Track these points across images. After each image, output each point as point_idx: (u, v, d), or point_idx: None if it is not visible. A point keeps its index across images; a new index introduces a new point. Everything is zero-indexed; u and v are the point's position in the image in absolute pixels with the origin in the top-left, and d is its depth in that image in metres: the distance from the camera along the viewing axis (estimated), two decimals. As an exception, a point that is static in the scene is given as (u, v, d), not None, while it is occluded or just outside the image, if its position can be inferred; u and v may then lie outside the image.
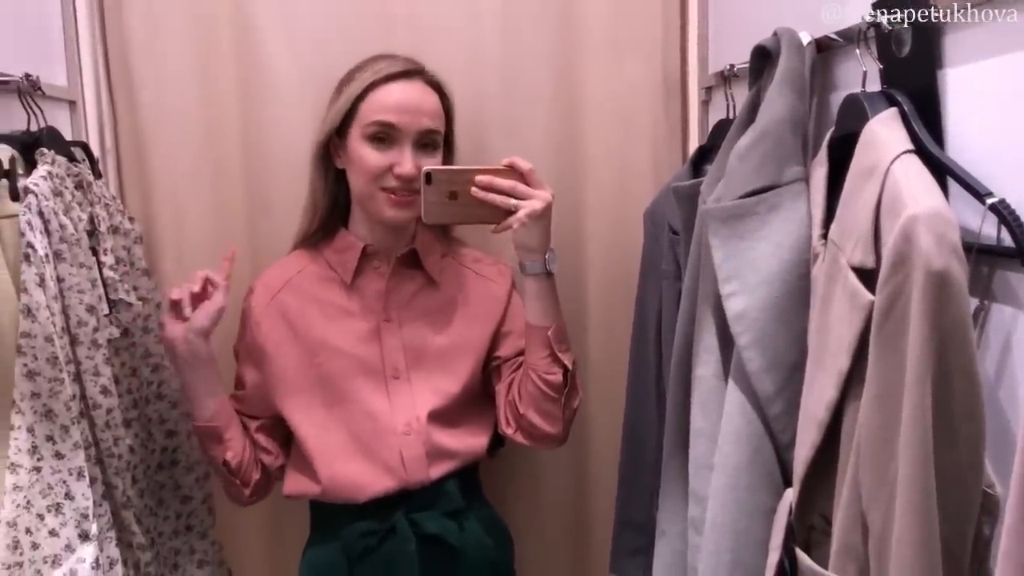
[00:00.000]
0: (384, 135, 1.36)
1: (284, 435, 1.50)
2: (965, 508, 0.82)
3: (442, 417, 1.42)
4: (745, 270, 1.07)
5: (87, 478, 1.19)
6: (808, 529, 1.05)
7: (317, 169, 1.45)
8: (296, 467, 1.46)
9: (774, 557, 1.07)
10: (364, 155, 1.37)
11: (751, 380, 1.07)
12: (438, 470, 1.40)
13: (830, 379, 0.94)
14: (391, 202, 1.37)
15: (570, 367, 1.38)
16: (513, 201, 1.29)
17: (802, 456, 1.00)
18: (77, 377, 1.23)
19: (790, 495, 1.07)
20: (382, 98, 1.37)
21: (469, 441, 1.45)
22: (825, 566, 0.97)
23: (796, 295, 1.06)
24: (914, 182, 0.84)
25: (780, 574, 1.07)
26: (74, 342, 1.23)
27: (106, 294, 1.34)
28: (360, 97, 1.38)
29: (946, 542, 0.81)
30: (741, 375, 1.09)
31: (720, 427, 1.13)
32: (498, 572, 1.48)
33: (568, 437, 1.46)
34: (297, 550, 1.51)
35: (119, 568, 1.25)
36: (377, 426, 1.39)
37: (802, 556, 1.02)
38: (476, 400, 1.49)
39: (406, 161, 1.35)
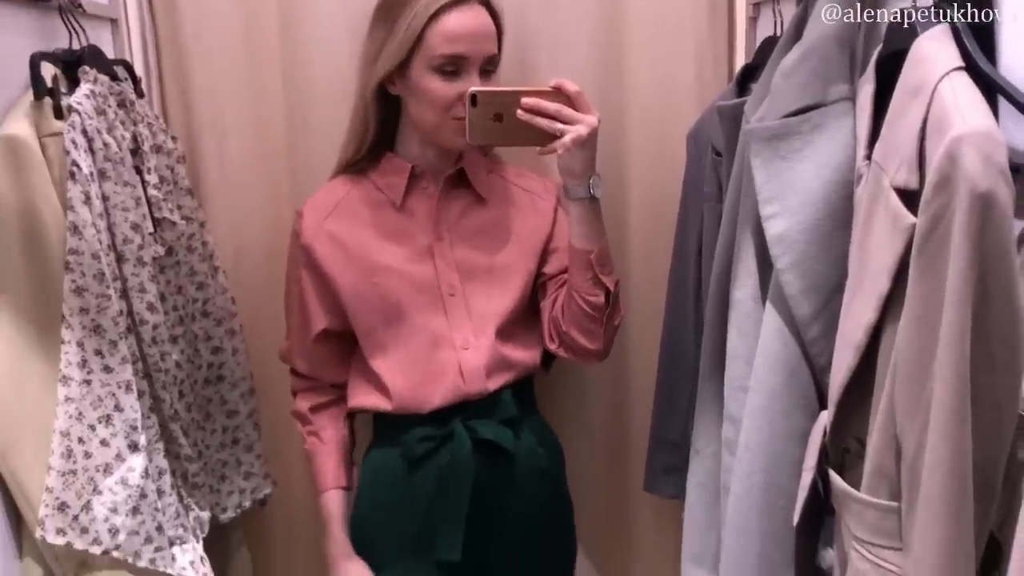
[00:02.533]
0: (453, 66, 1.35)
1: (344, 347, 1.54)
2: (999, 432, 0.82)
3: (498, 331, 1.45)
4: (787, 191, 1.05)
5: (135, 391, 1.23)
6: (842, 451, 1.05)
7: (374, 100, 1.42)
8: (360, 381, 1.50)
9: (807, 478, 1.08)
10: (434, 88, 1.35)
11: (789, 303, 1.07)
12: (496, 382, 1.44)
13: (869, 302, 0.93)
14: (463, 130, 1.34)
15: (612, 289, 1.39)
16: (559, 125, 1.27)
17: (838, 379, 0.99)
18: (124, 294, 1.25)
19: (824, 418, 1.07)
20: (447, 28, 1.34)
21: (524, 354, 1.48)
22: (858, 488, 0.98)
23: (838, 217, 1.04)
24: (962, 101, 0.81)
25: (813, 495, 1.08)
26: (120, 259, 1.25)
27: (150, 212, 1.36)
28: (423, 28, 1.35)
29: (978, 464, 0.81)
30: (779, 298, 1.08)
31: (756, 350, 1.12)
32: (549, 481, 1.51)
33: (610, 352, 1.47)
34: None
35: (167, 477, 1.30)
36: (436, 342, 1.42)
37: (835, 477, 1.03)
38: (529, 315, 1.52)
39: (475, 86, 1.34)
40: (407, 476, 1.43)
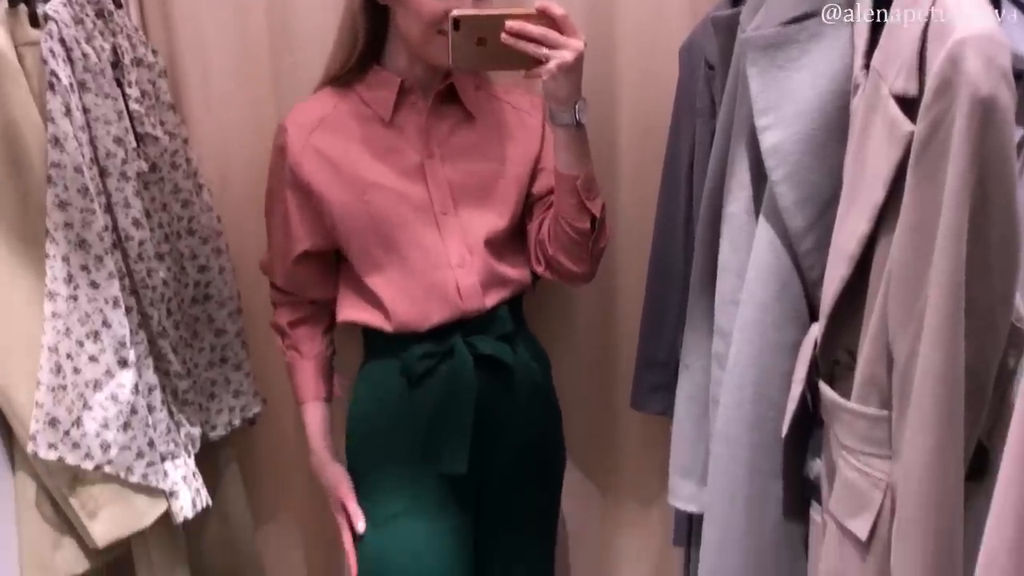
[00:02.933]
0: None
1: (326, 265, 1.53)
2: (992, 338, 0.82)
3: (492, 249, 1.44)
4: (782, 101, 1.04)
5: (123, 307, 1.22)
6: (832, 363, 1.05)
7: (362, 10, 1.39)
8: (354, 297, 1.48)
9: (797, 390, 1.09)
10: (422, 2, 1.32)
11: (782, 216, 1.06)
12: (492, 298, 1.44)
13: (863, 212, 0.93)
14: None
15: (598, 215, 1.38)
16: (544, 50, 1.24)
17: (830, 291, 1.00)
18: (108, 208, 1.24)
19: (815, 330, 1.07)
20: None
21: (517, 271, 1.49)
22: (848, 399, 0.99)
23: (834, 128, 1.03)
24: (965, 4, 0.80)
25: (802, 407, 1.09)
26: (103, 174, 1.23)
27: (132, 127, 1.34)
28: None
29: (970, 371, 0.82)
30: (772, 211, 1.08)
31: (748, 263, 1.12)
32: (543, 394, 1.54)
33: (596, 274, 1.48)
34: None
35: (158, 393, 1.30)
36: (432, 260, 1.41)
37: (825, 388, 1.03)
38: (520, 233, 1.52)
39: (466, 5, 1.31)
40: (407, 392, 1.43)
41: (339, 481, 1.48)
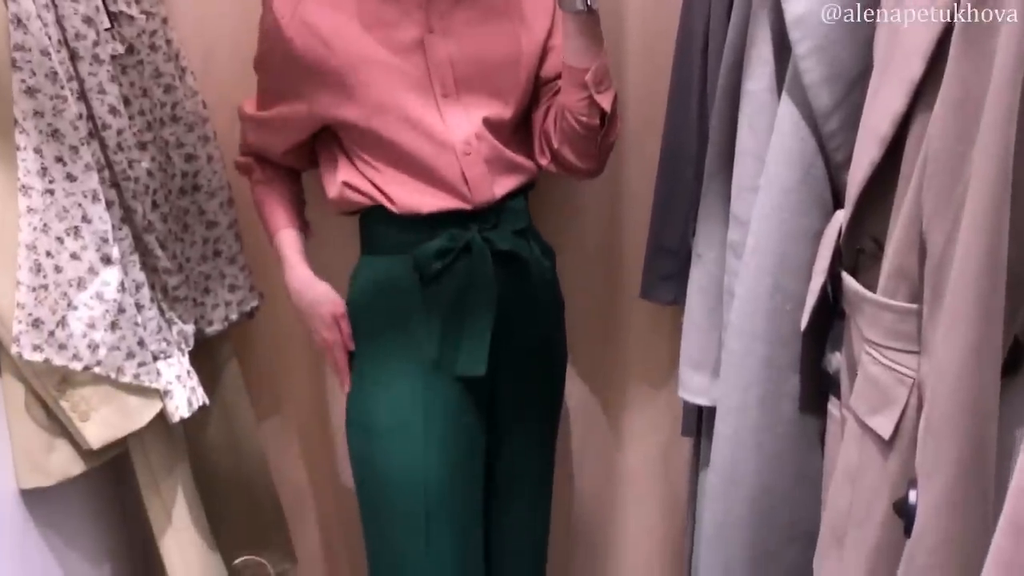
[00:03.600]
0: None
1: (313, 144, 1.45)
2: (1039, 227, 0.75)
3: (499, 134, 1.36)
4: (809, -35, 0.94)
5: (103, 201, 1.15)
6: (856, 253, 0.99)
7: None
8: (346, 172, 1.38)
9: (818, 281, 1.03)
10: None
11: (807, 93, 0.98)
12: (501, 187, 1.36)
13: (898, 88, 0.85)
14: None
15: (608, 110, 1.29)
16: None
17: (858, 175, 0.92)
18: (82, 95, 1.16)
19: (840, 217, 1.01)
20: None
21: (526, 160, 1.41)
22: (873, 290, 0.93)
23: (866, -5, 0.94)
24: None
25: (823, 299, 1.04)
26: (74, 57, 1.14)
27: (104, 6, 1.24)
28: None
29: (1012, 264, 0.75)
30: (796, 88, 1.00)
31: (769, 145, 1.05)
32: (551, 289, 1.50)
33: (604, 168, 1.42)
34: (333, 271, 1.46)
35: (146, 291, 1.24)
36: (434, 146, 1.32)
37: (848, 279, 0.97)
38: (527, 120, 1.43)
39: None
40: (419, 290, 1.35)
41: (329, 297, 1.40)
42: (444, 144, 1.32)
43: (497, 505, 1.49)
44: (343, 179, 1.37)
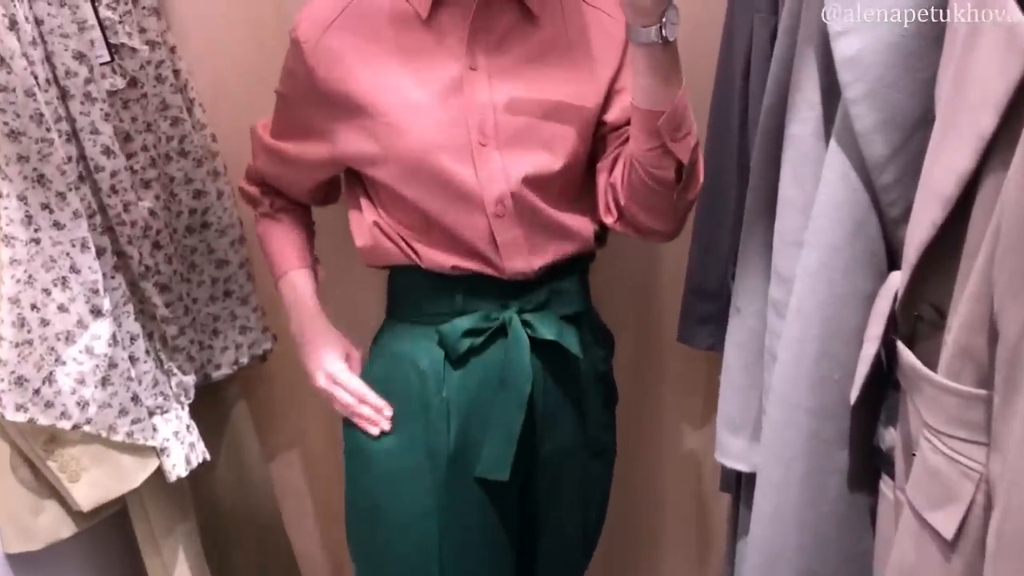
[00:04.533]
0: None
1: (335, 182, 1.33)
2: None
3: (544, 193, 1.16)
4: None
5: (92, 249, 1.08)
6: (914, 320, 0.88)
7: None
8: (371, 212, 1.21)
9: (870, 349, 0.92)
10: None
11: (859, 141, 0.87)
12: (542, 258, 1.17)
13: (966, 143, 0.74)
14: None
15: (686, 161, 1.08)
16: None
17: (917, 236, 0.81)
18: (72, 136, 1.09)
19: (895, 279, 0.90)
20: None
21: (577, 225, 1.20)
22: (933, 367, 0.82)
23: (927, 33, 0.83)
24: None
25: (875, 368, 0.93)
26: (64, 96, 1.08)
27: (105, 38, 1.17)
28: None
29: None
30: (847, 134, 0.89)
31: (816, 197, 0.94)
32: (606, 387, 1.30)
33: (681, 230, 1.23)
34: (355, 322, 1.33)
35: (141, 343, 1.17)
36: (462, 205, 1.14)
37: (905, 352, 0.86)
38: (584, 174, 1.23)
39: None
40: (443, 371, 1.17)
41: (345, 346, 1.25)
42: (473, 202, 1.14)
43: None
44: (373, 223, 1.19)
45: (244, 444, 1.52)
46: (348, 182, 1.25)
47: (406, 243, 1.17)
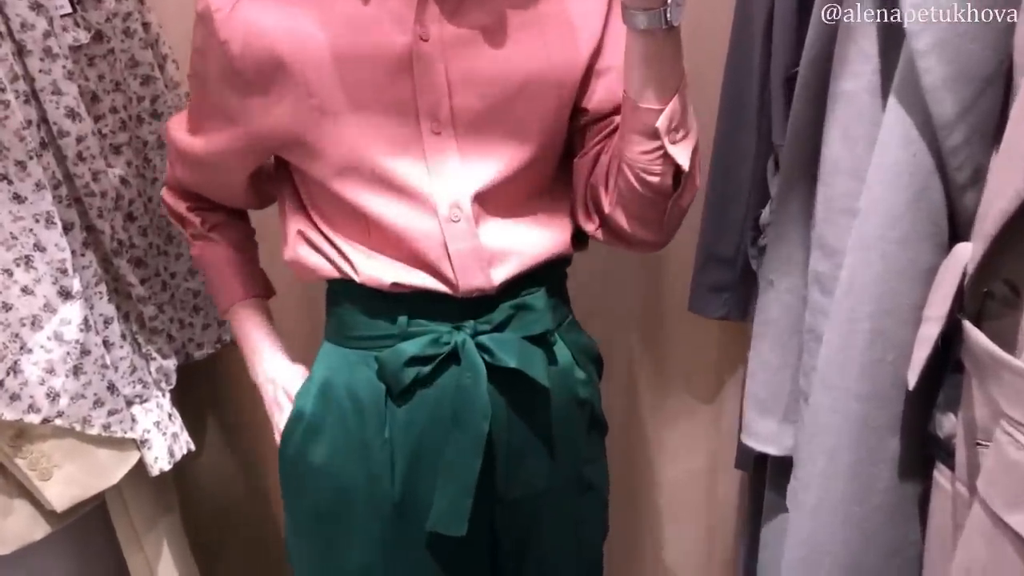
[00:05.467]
0: None
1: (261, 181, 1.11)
2: None
3: (508, 194, 0.98)
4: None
5: (59, 224, 0.97)
6: (983, 296, 0.79)
7: None
8: (297, 218, 1.03)
9: (932, 329, 0.83)
10: None
11: (926, 97, 0.78)
12: (503, 271, 0.98)
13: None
14: None
15: (686, 167, 0.91)
16: None
17: (999, 205, 0.72)
18: (32, 97, 0.97)
19: (963, 252, 0.81)
20: None
21: (550, 230, 1.02)
22: (1003, 347, 0.73)
23: (1008, -27, 0.73)
24: None
25: (935, 352, 0.84)
26: (21, 52, 0.96)
27: (64, -13, 1.05)
28: None
29: None
30: (910, 90, 0.80)
31: (870, 160, 0.85)
32: (586, 413, 1.09)
33: (671, 240, 1.04)
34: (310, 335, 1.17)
35: (116, 326, 1.06)
36: (409, 206, 0.95)
37: (976, 334, 0.78)
38: (558, 168, 1.06)
39: None
40: (384, 406, 0.99)
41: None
42: (422, 204, 0.95)
43: None
44: (297, 232, 1.02)
45: (229, 430, 1.42)
46: (277, 178, 1.06)
47: (340, 253, 0.99)
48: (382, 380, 0.98)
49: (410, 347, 0.96)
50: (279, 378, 1.07)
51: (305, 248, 1.01)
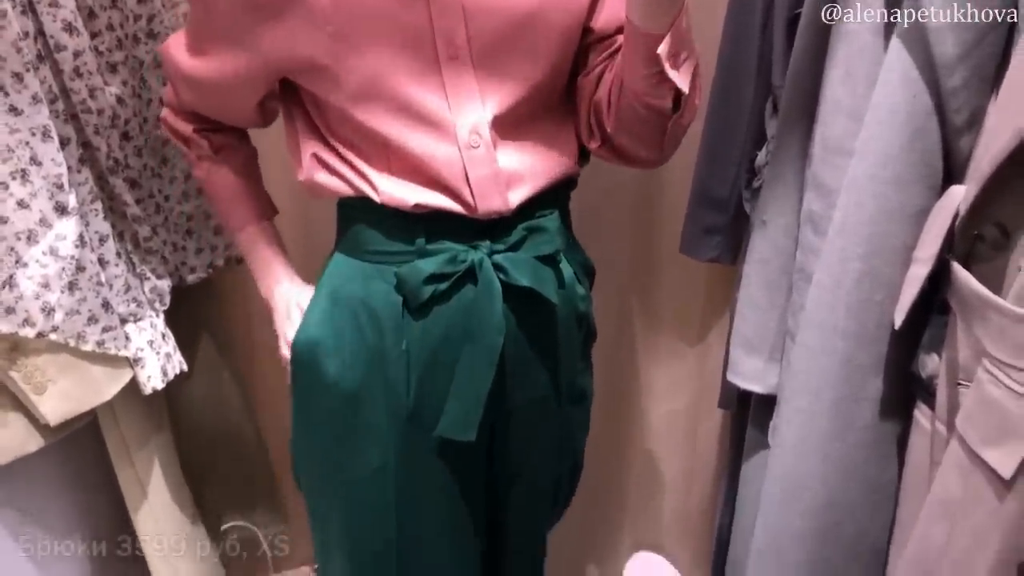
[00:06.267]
0: None
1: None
2: None
3: (523, 117, 1.00)
4: None
5: (56, 139, 0.96)
6: (973, 239, 0.81)
7: None
8: (312, 140, 1.03)
9: (921, 270, 0.85)
10: None
11: (929, 38, 0.78)
12: (520, 193, 1.00)
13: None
14: None
15: (685, 89, 0.91)
16: None
17: (996, 146, 0.74)
18: (29, 8, 0.95)
19: (957, 194, 0.82)
20: None
21: (561, 151, 1.05)
22: (998, 291, 0.75)
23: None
24: None
25: (922, 293, 0.85)
26: (18, -39, 0.94)
27: None
28: None
29: None
30: (914, 31, 0.80)
31: (869, 101, 0.85)
32: (584, 325, 1.14)
33: (670, 158, 1.06)
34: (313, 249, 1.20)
35: (111, 244, 1.06)
36: (430, 132, 0.96)
37: (964, 275, 0.79)
38: (565, 88, 1.06)
39: None
40: (401, 318, 1.01)
41: None
42: (442, 130, 0.97)
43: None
44: (312, 155, 1.03)
45: (221, 354, 1.43)
46: (283, 98, 1.05)
47: (360, 175, 1.00)
48: (401, 294, 1.00)
49: (428, 265, 0.99)
50: (290, 293, 1.09)
51: (323, 173, 1.02)
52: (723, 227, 1.38)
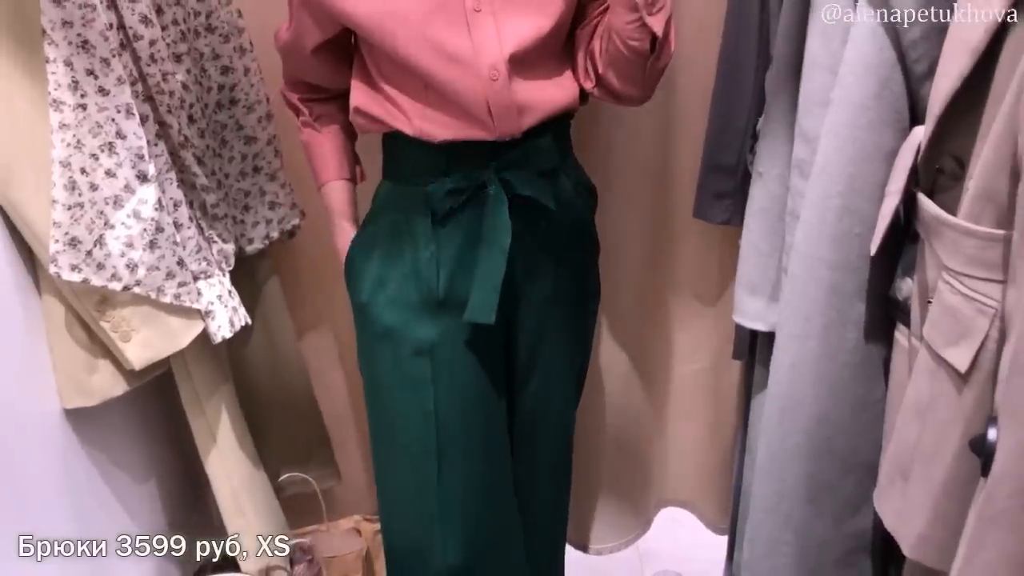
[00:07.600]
0: None
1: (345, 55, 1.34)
2: None
3: (532, 58, 1.21)
4: None
5: (136, 116, 1.11)
6: (935, 172, 0.92)
7: None
8: (368, 90, 1.27)
9: (891, 203, 0.97)
10: None
11: (889, -1, 0.90)
12: (531, 118, 1.22)
13: (995, -8, 0.77)
14: None
15: (660, 34, 1.15)
16: None
17: (943, 88, 0.85)
18: (111, 3, 1.10)
19: (918, 134, 0.94)
20: None
21: (563, 86, 1.27)
22: (953, 213, 0.86)
23: None
24: None
25: (895, 222, 0.97)
26: (102, -36, 1.08)
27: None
28: None
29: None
30: (876, -8, 0.92)
31: (843, 56, 0.97)
32: (585, 230, 1.38)
33: (652, 95, 1.30)
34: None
35: (184, 209, 1.21)
36: (457, 70, 1.17)
37: (925, 201, 0.91)
38: (568, 39, 1.30)
39: None
40: (431, 226, 1.24)
41: None
42: (468, 67, 1.17)
43: (516, 443, 1.41)
44: (356, 100, 1.27)
45: (277, 319, 1.57)
46: (352, 52, 1.32)
47: (398, 108, 1.23)
48: (429, 208, 1.23)
49: (449, 182, 1.23)
50: (350, 234, 1.35)
51: (359, 114, 1.27)
52: (732, 191, 1.49)
